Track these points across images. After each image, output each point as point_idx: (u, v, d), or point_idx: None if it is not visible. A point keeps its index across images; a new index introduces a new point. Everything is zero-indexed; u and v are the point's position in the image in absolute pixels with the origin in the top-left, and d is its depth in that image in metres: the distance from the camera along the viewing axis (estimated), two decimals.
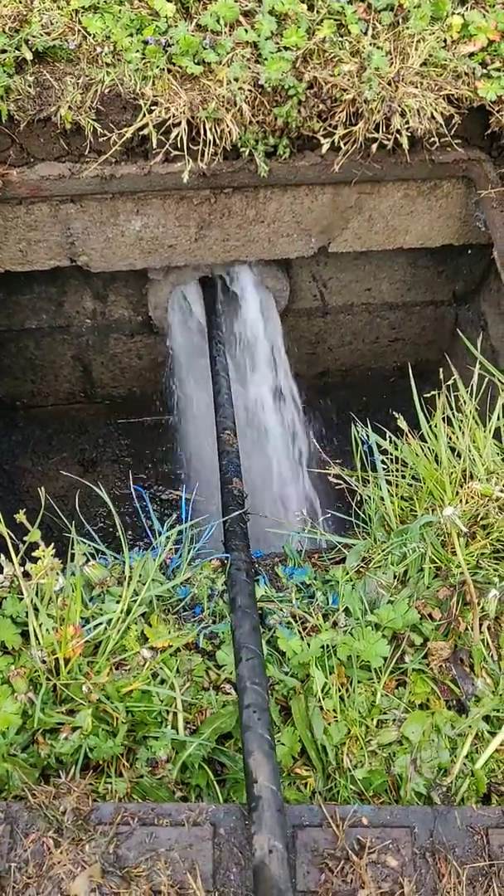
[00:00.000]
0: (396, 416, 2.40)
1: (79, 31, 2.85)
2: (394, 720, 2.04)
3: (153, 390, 4.49)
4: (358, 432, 2.43)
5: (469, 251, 3.74)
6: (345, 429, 4.68)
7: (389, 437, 2.45)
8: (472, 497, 2.29)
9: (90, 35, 2.85)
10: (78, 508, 2.38)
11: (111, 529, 4.00)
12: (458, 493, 2.31)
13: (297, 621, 2.17)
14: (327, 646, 2.09)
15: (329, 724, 2.01)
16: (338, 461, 2.48)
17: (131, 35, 2.86)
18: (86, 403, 4.59)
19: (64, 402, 4.56)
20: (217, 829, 1.69)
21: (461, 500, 2.28)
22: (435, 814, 1.75)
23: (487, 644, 2.14)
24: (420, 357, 4.64)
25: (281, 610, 2.18)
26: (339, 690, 2.06)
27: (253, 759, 1.68)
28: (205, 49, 2.86)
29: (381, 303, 4.30)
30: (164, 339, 4.10)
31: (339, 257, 3.94)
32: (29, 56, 2.77)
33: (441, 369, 2.73)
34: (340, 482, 2.41)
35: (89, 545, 2.20)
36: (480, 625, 2.14)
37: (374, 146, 2.98)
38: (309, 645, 2.08)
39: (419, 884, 1.66)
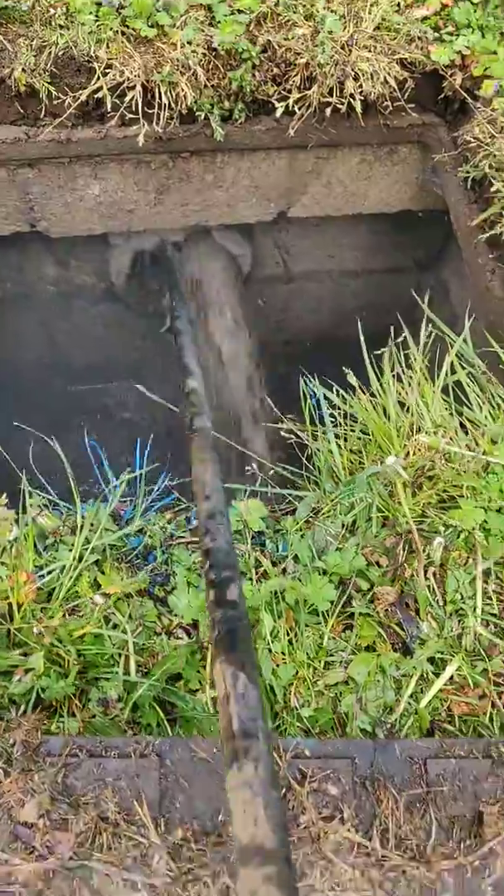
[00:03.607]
0: (346, 371, 2.46)
1: None
2: (341, 662, 2.10)
3: (116, 357, 4.52)
4: (307, 385, 2.48)
5: (421, 216, 3.77)
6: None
7: (337, 390, 2.50)
8: (420, 449, 2.35)
9: None
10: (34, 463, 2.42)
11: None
12: (405, 445, 2.37)
13: (252, 568, 2.22)
14: (276, 591, 2.15)
15: (278, 665, 2.07)
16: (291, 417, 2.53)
17: None
18: (49, 370, 4.61)
19: (27, 369, 4.58)
20: (163, 760, 1.74)
21: (408, 452, 2.34)
22: (376, 746, 1.82)
23: (433, 590, 2.20)
24: (385, 324, 4.67)
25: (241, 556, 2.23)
26: (288, 634, 2.12)
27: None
28: (158, 12, 2.88)
29: (343, 270, 4.34)
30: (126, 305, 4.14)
31: (301, 224, 3.97)
32: None
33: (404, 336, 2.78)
34: (292, 436, 2.47)
35: (43, 496, 2.25)
36: (426, 571, 2.20)
37: (329, 110, 3.02)
38: (259, 590, 2.14)
39: (358, 809, 1.73)
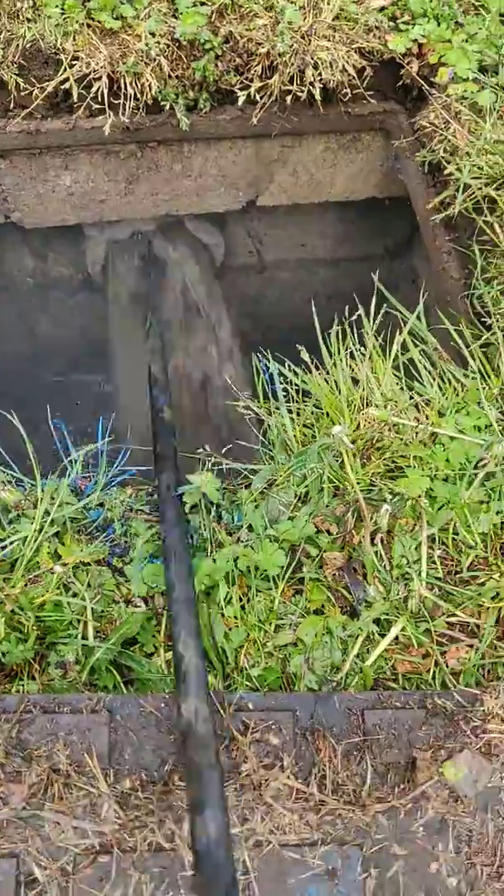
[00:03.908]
0: (299, 347, 2.55)
1: None
2: (290, 625, 2.19)
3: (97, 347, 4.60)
4: (259, 361, 2.58)
5: (388, 203, 3.85)
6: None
7: (289, 365, 2.60)
8: (369, 422, 2.44)
9: None
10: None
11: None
12: (355, 418, 2.46)
13: (210, 542, 2.31)
14: (230, 559, 2.24)
15: (230, 629, 2.16)
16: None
17: None
18: (30, 362, 4.70)
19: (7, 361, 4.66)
20: (114, 716, 1.84)
21: (358, 425, 2.43)
22: (316, 699, 1.91)
23: (380, 555, 2.29)
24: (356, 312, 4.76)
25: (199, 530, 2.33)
26: (241, 600, 2.21)
27: (181, 642, 1.87)
28: (122, 4, 2.97)
29: (315, 259, 4.42)
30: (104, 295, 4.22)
31: (272, 213, 4.05)
32: None
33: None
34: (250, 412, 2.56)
35: (7, 473, 2.35)
36: (373, 537, 2.29)
37: (290, 98, 3.10)
38: (215, 561, 2.23)
39: (298, 758, 1.82)
